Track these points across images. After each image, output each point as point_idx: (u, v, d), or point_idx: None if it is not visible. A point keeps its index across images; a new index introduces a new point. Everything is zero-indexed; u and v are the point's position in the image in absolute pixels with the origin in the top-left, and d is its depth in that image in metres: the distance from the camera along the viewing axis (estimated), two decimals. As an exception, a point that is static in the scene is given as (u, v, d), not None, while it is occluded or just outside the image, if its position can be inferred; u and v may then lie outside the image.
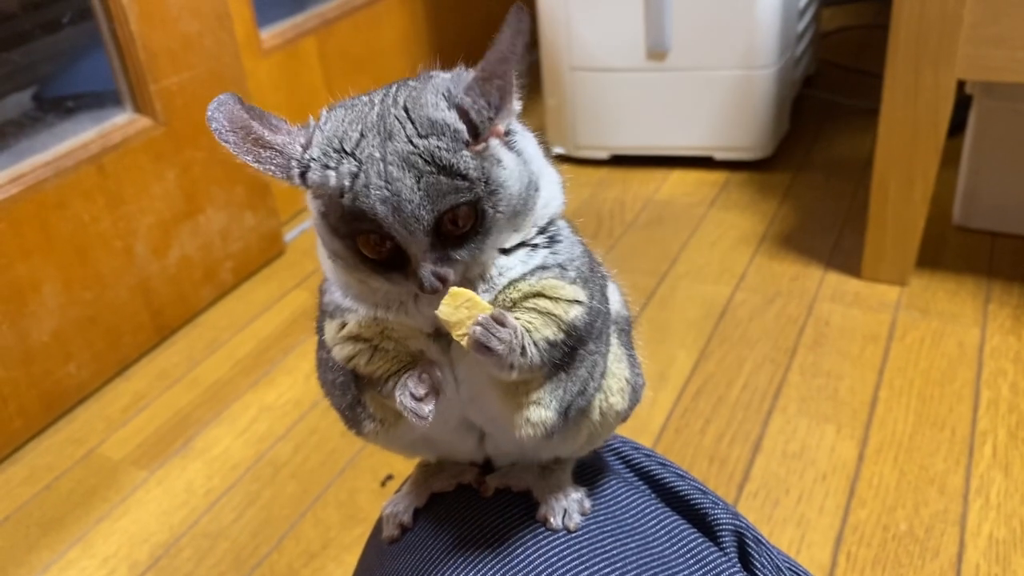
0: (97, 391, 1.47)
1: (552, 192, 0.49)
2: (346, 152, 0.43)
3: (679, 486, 0.61)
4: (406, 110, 0.44)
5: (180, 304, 1.60)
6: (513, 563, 0.53)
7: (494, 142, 0.45)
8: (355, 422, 0.53)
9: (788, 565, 0.59)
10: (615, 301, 0.55)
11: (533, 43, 2.11)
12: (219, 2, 1.57)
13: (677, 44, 1.84)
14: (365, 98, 0.46)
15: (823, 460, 1.19)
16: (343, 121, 0.45)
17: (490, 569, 0.52)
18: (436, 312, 0.45)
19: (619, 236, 1.71)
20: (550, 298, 0.47)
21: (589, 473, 0.60)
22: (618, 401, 0.54)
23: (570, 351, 0.48)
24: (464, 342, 0.45)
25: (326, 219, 0.45)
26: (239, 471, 1.28)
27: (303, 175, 0.44)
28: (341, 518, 1.19)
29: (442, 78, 0.46)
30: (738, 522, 0.59)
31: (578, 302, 0.48)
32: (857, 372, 1.34)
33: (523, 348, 0.46)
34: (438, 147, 0.43)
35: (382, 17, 2.07)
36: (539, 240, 0.49)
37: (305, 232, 1.87)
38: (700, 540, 0.57)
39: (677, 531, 0.57)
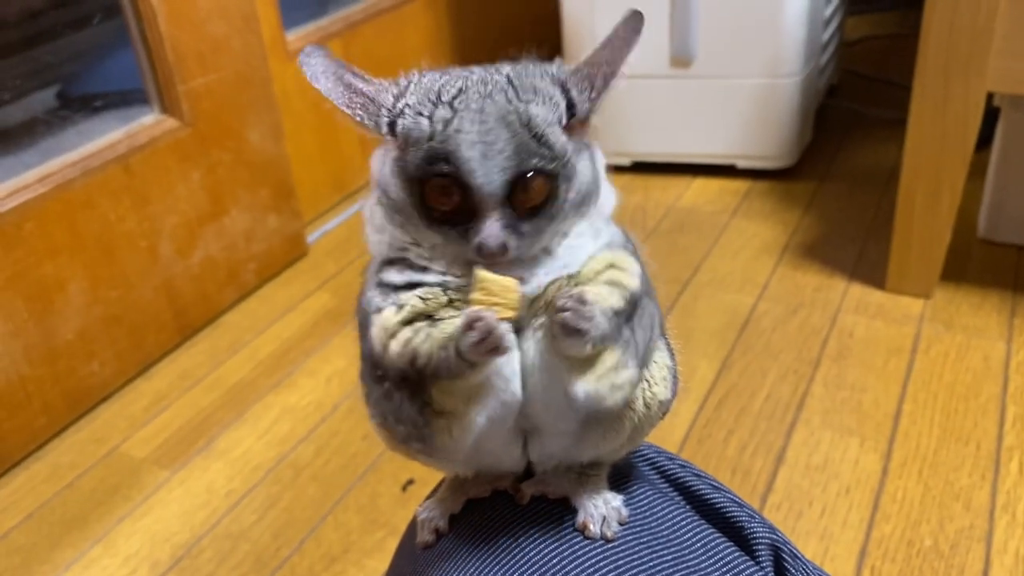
0: (120, 390, 1.47)
1: (608, 196, 0.52)
2: (443, 101, 0.45)
3: (714, 498, 0.60)
4: (509, 78, 0.46)
5: (203, 304, 1.61)
6: (549, 572, 0.52)
7: (582, 133, 0.47)
8: (425, 425, 0.50)
9: (824, 580, 0.59)
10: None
11: (556, 48, 2.11)
12: (247, 4, 1.58)
13: (702, 52, 1.83)
14: (459, 70, 0.48)
15: (847, 473, 1.19)
16: (440, 79, 0.47)
17: (526, 578, 0.52)
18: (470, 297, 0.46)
19: (640, 244, 1.70)
20: (620, 269, 0.50)
21: (623, 483, 0.60)
22: (661, 390, 0.54)
23: (630, 315, 0.50)
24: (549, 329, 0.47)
25: (400, 164, 0.46)
26: (260, 473, 1.28)
27: (391, 124, 0.46)
28: (362, 522, 1.19)
29: (543, 64, 0.48)
30: (775, 536, 0.58)
31: (636, 273, 0.50)
32: (881, 385, 1.33)
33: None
34: (536, 113, 0.45)
35: (407, 20, 2.07)
36: (601, 223, 0.51)
37: (328, 234, 1.88)
38: (736, 553, 0.56)
39: (713, 544, 0.56)
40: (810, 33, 1.82)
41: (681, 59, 1.85)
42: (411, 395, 0.50)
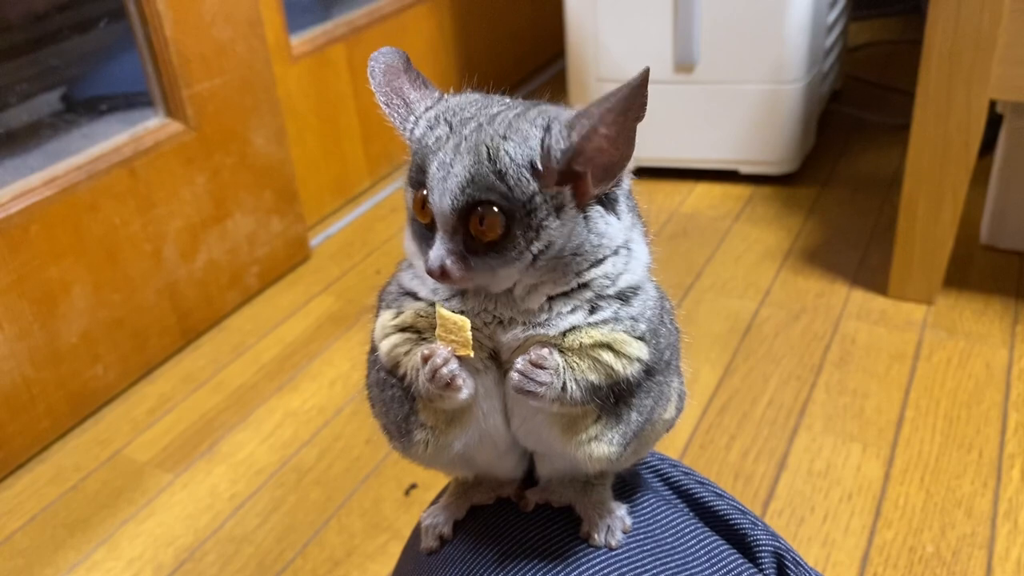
0: (123, 393, 1.48)
1: (627, 269, 0.49)
2: (447, 120, 0.47)
3: (718, 505, 0.61)
4: (507, 113, 0.46)
5: (206, 308, 1.61)
6: (553, 580, 0.53)
7: (567, 193, 0.46)
8: (407, 432, 0.52)
9: (827, 588, 0.59)
10: None
11: (559, 53, 2.12)
12: (252, 9, 1.59)
13: (705, 57, 1.84)
14: (503, 98, 0.49)
15: (849, 479, 1.19)
16: (467, 101, 0.48)
17: (530, 585, 0.52)
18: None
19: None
20: (615, 351, 0.48)
21: (628, 491, 0.60)
22: (667, 410, 0.54)
23: (622, 392, 0.49)
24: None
25: (408, 171, 0.48)
26: (263, 476, 1.29)
27: (412, 130, 0.48)
28: (365, 526, 1.19)
29: (556, 108, 0.48)
30: (778, 543, 0.59)
31: (639, 360, 0.49)
32: (883, 391, 1.33)
33: (564, 384, 0.47)
34: (506, 150, 0.44)
35: (410, 25, 2.08)
36: (606, 302, 0.49)
37: (331, 238, 1.88)
38: (740, 561, 0.56)
39: (716, 551, 0.57)
40: (813, 39, 1.83)
41: (684, 64, 1.85)
42: (403, 395, 0.51)
